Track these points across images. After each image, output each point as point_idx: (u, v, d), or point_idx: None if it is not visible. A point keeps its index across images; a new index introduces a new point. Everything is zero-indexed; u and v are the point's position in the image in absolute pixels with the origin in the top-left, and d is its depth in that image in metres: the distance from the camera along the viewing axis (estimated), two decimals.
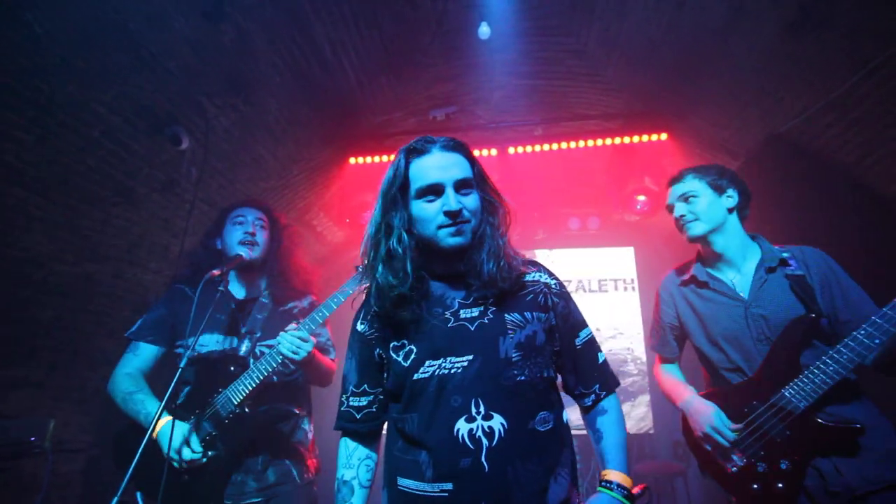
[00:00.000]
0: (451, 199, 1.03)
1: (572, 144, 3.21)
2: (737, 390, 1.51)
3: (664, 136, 3.13)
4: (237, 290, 1.79)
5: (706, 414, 1.49)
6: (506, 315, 1.06)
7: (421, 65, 3.08)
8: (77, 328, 2.57)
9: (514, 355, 1.03)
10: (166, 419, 1.49)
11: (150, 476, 1.38)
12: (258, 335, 1.69)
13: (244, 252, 1.68)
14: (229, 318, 1.70)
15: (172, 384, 1.29)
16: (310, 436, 1.77)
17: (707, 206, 1.61)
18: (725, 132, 3.04)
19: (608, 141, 3.19)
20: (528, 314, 1.08)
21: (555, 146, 3.24)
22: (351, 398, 1.14)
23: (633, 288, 4.49)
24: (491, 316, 1.06)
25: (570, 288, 4.73)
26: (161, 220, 2.82)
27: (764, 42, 2.39)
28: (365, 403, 1.13)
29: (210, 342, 1.65)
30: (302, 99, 2.94)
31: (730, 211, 1.62)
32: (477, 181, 1.11)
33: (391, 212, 1.07)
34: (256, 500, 1.57)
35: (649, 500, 1.04)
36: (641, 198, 3.18)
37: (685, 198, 1.64)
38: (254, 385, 1.54)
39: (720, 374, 1.59)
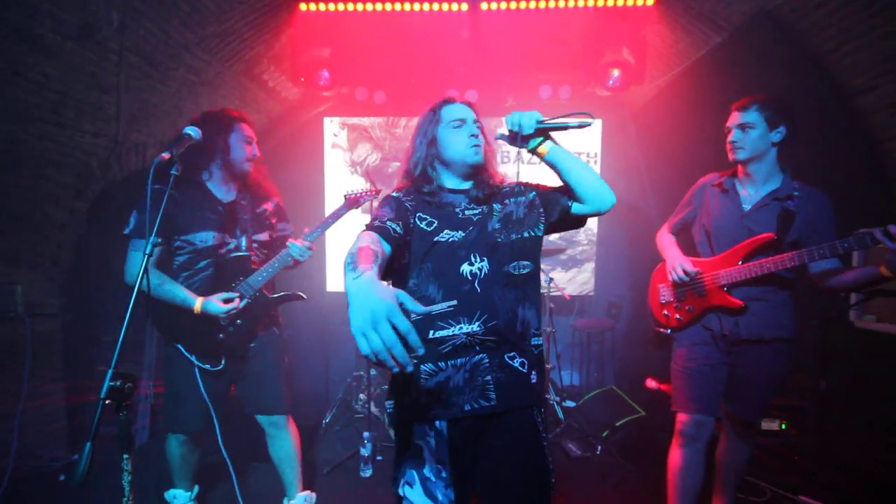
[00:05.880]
0: (472, 127, 1.48)
1: (552, 4, 2.89)
2: (698, 262, 2.07)
3: (650, 0, 2.85)
4: (222, 195, 2.07)
5: (679, 260, 2.06)
6: (494, 205, 1.48)
7: None
8: (16, 196, 2.45)
9: (497, 226, 1.44)
10: (201, 299, 1.94)
11: (190, 334, 1.99)
12: (249, 233, 2.09)
13: (192, 131, 1.61)
14: (221, 218, 2.02)
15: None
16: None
17: (757, 139, 1.90)
18: (715, 2, 2.80)
19: (591, 2, 2.88)
20: (507, 201, 1.49)
21: (532, 4, 2.91)
22: (388, 222, 1.36)
23: (596, 162, 4.54)
24: (485, 210, 1.47)
25: (534, 160, 4.73)
26: (85, 74, 2.49)
27: None
28: (397, 228, 1.37)
29: (209, 238, 1.99)
30: None
31: (773, 144, 1.92)
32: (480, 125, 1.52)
33: (425, 143, 1.50)
34: (252, 344, 2.13)
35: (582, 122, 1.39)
36: (615, 72, 3.02)
37: (743, 127, 1.92)
38: (269, 276, 2.08)
39: (697, 252, 2.13)
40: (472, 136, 1.47)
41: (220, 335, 2.01)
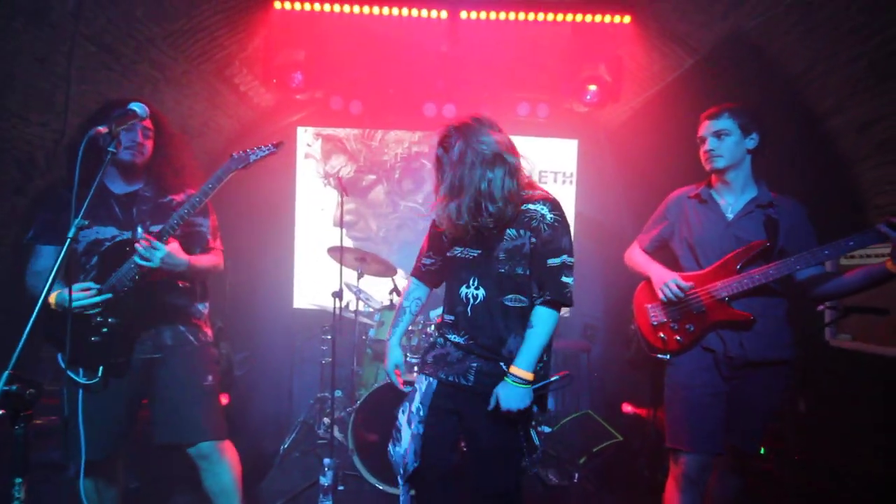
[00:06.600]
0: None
1: (531, 16, 2.89)
2: (688, 276, 1.95)
3: (627, 18, 2.89)
4: (117, 187, 1.91)
5: (668, 276, 1.94)
6: (507, 229, 1.59)
7: None
8: None
9: (501, 255, 1.58)
10: (58, 290, 1.70)
11: (65, 341, 1.63)
12: (147, 223, 1.88)
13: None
14: (112, 212, 1.85)
15: (62, 256, 1.31)
16: (205, 312, 2.05)
17: (733, 146, 1.88)
18: (689, 25, 2.85)
19: (569, 17, 2.90)
20: (521, 231, 1.58)
21: (511, 16, 2.90)
22: (423, 258, 1.85)
23: (571, 182, 4.54)
24: (499, 228, 1.59)
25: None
26: (35, 59, 2.31)
27: None
28: (429, 262, 1.84)
29: (93, 233, 1.82)
30: None
31: (748, 152, 1.90)
32: (478, 162, 1.52)
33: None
34: (156, 355, 1.86)
35: (569, 383, 1.30)
36: (592, 87, 3.03)
37: (718, 134, 1.88)
38: (138, 268, 1.75)
39: (681, 267, 2.02)
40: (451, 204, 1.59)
41: (93, 338, 1.74)
